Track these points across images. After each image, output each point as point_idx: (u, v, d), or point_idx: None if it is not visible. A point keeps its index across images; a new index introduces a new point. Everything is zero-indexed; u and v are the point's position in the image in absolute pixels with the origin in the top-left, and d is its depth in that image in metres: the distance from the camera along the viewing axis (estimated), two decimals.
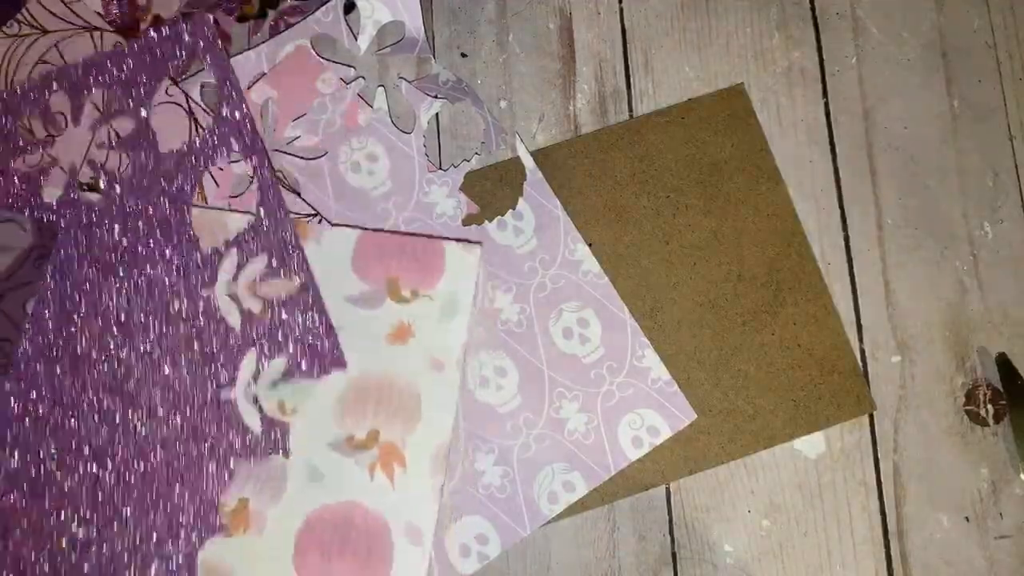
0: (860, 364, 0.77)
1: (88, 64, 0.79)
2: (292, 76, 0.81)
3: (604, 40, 0.83)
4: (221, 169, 0.78)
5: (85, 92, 0.79)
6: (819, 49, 0.82)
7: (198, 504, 0.73)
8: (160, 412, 0.74)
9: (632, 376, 0.76)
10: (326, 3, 0.82)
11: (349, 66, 0.82)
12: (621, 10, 0.83)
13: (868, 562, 0.74)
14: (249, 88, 0.81)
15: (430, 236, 0.77)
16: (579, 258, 0.78)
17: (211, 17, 0.80)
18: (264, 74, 0.81)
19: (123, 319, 0.75)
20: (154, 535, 0.72)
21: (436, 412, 0.74)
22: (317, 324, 0.76)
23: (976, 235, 0.78)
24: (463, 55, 0.83)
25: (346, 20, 0.82)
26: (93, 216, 0.77)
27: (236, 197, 0.78)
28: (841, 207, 0.79)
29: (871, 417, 0.76)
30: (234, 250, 0.77)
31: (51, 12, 0.81)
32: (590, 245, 0.78)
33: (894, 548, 0.74)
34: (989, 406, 0.76)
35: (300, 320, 0.76)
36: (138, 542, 0.72)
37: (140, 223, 0.77)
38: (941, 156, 0.80)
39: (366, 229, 0.77)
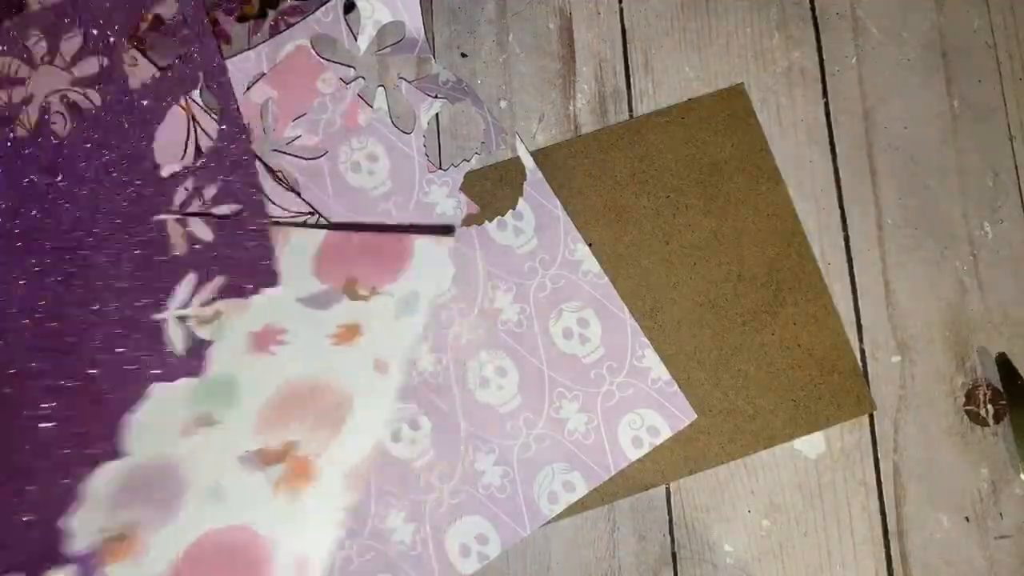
0: (860, 364, 0.77)
1: (68, 4, 0.79)
2: (292, 76, 0.81)
3: (604, 40, 0.83)
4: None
5: (62, 30, 0.79)
6: (819, 49, 0.82)
7: (103, 427, 0.73)
8: (96, 334, 0.74)
9: (632, 376, 0.76)
10: (326, 3, 0.82)
11: (349, 66, 0.82)
12: (621, 10, 0.83)
13: (868, 562, 0.74)
14: (249, 88, 0.81)
15: (403, 229, 0.77)
16: (579, 258, 0.78)
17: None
18: (264, 74, 0.81)
19: (75, 245, 0.76)
20: (53, 455, 0.72)
21: (365, 422, 0.73)
22: (258, 245, 0.76)
23: (976, 235, 0.78)
24: (463, 55, 0.83)
25: (346, 20, 0.82)
26: (62, 148, 0.78)
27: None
28: (841, 207, 0.79)
29: (871, 417, 0.76)
30: (190, 176, 0.77)
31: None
32: (590, 245, 0.78)
33: (894, 548, 0.74)
34: (989, 406, 0.76)
35: (242, 243, 0.76)
36: (39, 461, 0.72)
37: (104, 156, 0.77)
38: (941, 156, 0.80)
39: (336, 227, 0.77)
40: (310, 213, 0.78)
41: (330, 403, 0.73)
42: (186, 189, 0.77)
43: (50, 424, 0.72)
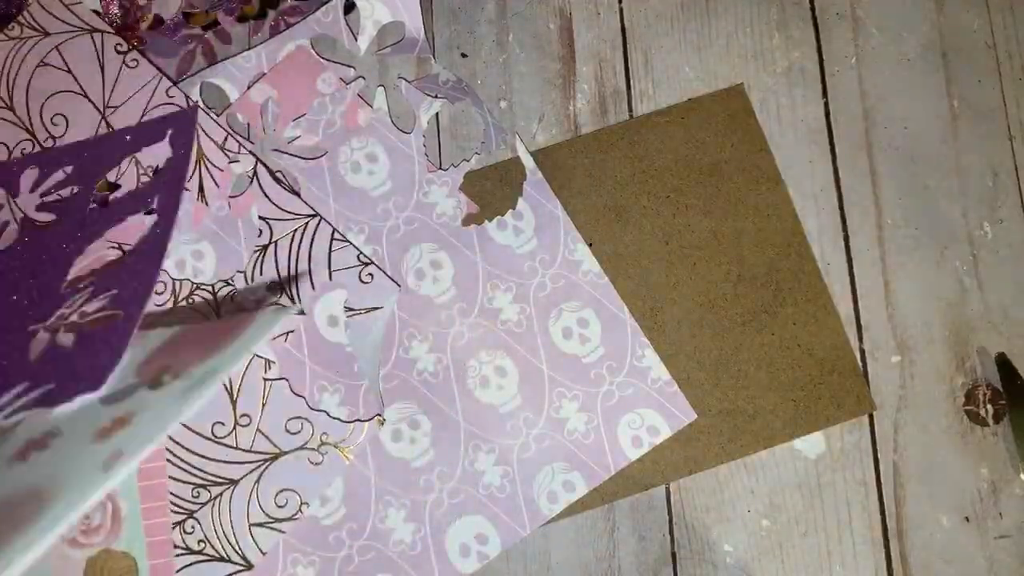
0: (860, 364, 0.77)
1: (71, 148, 0.79)
2: (292, 76, 0.81)
3: (604, 40, 0.83)
4: (221, 169, 0.78)
5: (54, 168, 0.78)
6: (819, 49, 0.82)
7: None
8: None
9: (632, 376, 0.76)
10: (326, 3, 0.82)
11: (349, 66, 0.82)
12: (621, 10, 0.83)
13: (868, 562, 0.74)
14: (249, 88, 0.81)
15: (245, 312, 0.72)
16: (579, 258, 0.78)
17: (195, 114, 0.79)
18: (264, 74, 0.81)
19: None
20: None
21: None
22: (107, 352, 0.66)
23: (976, 235, 0.78)
24: (463, 55, 0.83)
25: (346, 20, 0.82)
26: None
27: (235, 197, 0.78)
28: (841, 207, 0.79)
29: (871, 417, 0.76)
30: (89, 289, 0.72)
31: (52, 14, 0.81)
32: (590, 245, 0.78)
33: (894, 548, 0.74)
34: (989, 406, 0.76)
35: (97, 350, 0.67)
36: None
37: (24, 266, 0.74)
38: (941, 156, 0.80)
39: (192, 323, 0.71)
40: (311, 216, 0.78)
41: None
42: (78, 299, 0.71)
43: None
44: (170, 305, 0.76)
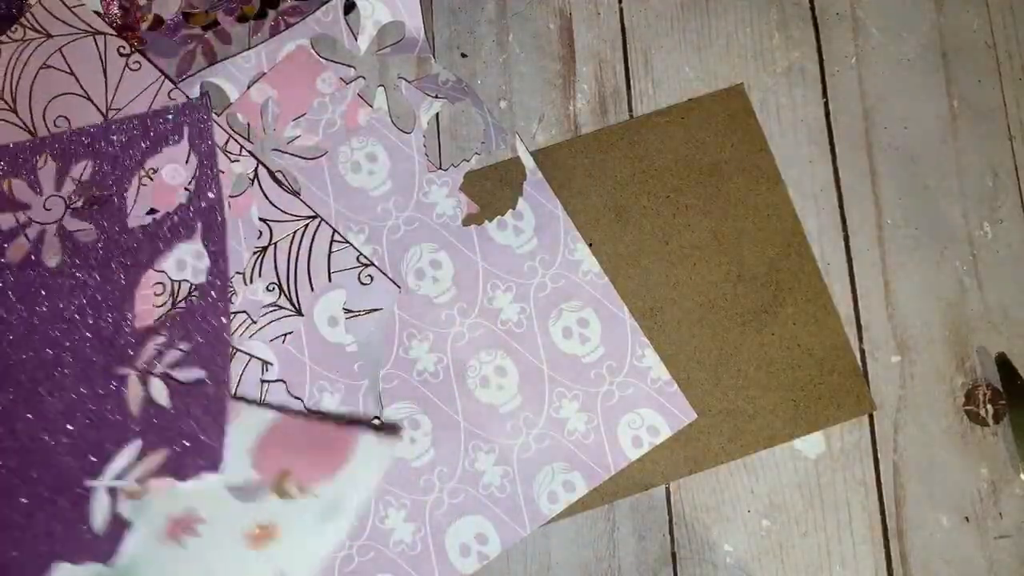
0: (860, 364, 0.77)
1: (80, 134, 0.79)
2: (292, 76, 0.81)
3: (604, 40, 0.83)
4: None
5: (73, 161, 0.78)
6: (819, 49, 0.82)
7: None
8: (21, 489, 0.71)
9: (632, 376, 0.76)
10: (326, 3, 0.82)
11: (349, 66, 0.82)
12: (621, 10, 0.84)
13: (868, 562, 0.74)
14: (249, 88, 0.81)
15: (349, 424, 0.74)
16: (579, 258, 0.78)
17: (208, 102, 0.80)
18: (264, 74, 0.81)
19: (31, 388, 0.73)
20: None
21: None
22: (212, 424, 0.72)
23: (976, 235, 0.79)
24: (463, 55, 0.83)
25: (346, 20, 0.82)
26: (47, 280, 0.75)
27: (236, 197, 0.78)
28: (841, 207, 0.79)
29: (871, 417, 0.76)
30: (161, 335, 0.74)
31: (55, 16, 0.81)
32: (590, 245, 0.78)
33: (894, 548, 0.74)
34: (989, 406, 0.76)
35: (197, 415, 0.72)
36: None
37: (87, 295, 0.75)
38: (941, 156, 0.80)
39: (286, 412, 0.74)
40: (311, 217, 0.78)
41: None
42: (156, 347, 0.74)
43: None
44: (168, 306, 0.76)
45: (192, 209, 0.77)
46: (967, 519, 0.74)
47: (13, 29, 0.81)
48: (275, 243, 0.78)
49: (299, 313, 0.76)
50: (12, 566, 0.69)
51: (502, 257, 0.78)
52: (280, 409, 0.74)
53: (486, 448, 0.75)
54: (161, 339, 0.74)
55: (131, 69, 0.80)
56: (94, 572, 0.69)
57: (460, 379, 0.77)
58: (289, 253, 0.78)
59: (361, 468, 0.72)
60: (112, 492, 0.70)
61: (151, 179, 0.78)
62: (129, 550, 0.69)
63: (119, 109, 0.79)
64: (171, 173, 0.78)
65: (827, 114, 0.81)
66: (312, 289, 0.77)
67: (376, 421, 0.75)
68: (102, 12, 0.82)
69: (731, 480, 0.75)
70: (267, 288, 0.77)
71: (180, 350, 0.74)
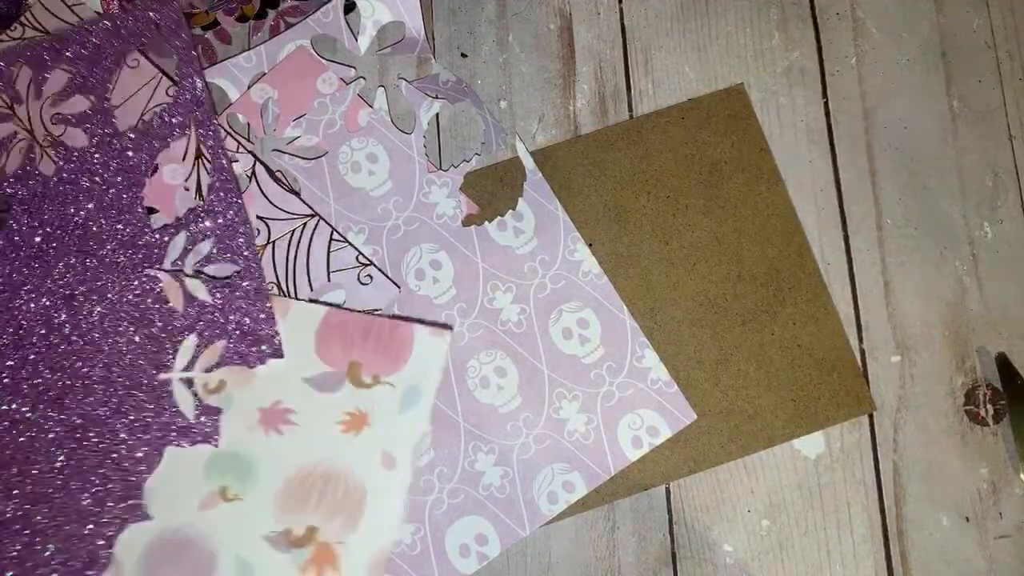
0: (860, 364, 0.77)
1: (53, 40, 0.79)
2: (292, 76, 0.81)
3: (604, 40, 0.83)
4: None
5: (49, 67, 0.79)
6: (819, 49, 0.82)
7: (123, 486, 0.72)
8: (97, 391, 0.74)
9: (632, 376, 0.76)
10: (326, 3, 0.82)
11: (349, 66, 0.82)
12: (621, 10, 0.84)
13: (868, 562, 0.74)
14: (249, 88, 0.81)
15: (399, 319, 0.76)
16: (579, 258, 0.78)
17: (178, 4, 0.81)
18: (264, 74, 0.82)
19: (68, 296, 0.75)
20: (76, 514, 0.72)
21: (380, 515, 0.73)
22: (259, 312, 0.75)
23: (976, 235, 0.79)
24: (463, 55, 0.83)
25: (346, 20, 0.82)
26: (48, 189, 0.77)
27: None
28: (841, 207, 0.80)
29: (871, 417, 0.76)
30: (183, 231, 0.77)
31: (54, 14, 0.81)
32: (590, 245, 0.79)
33: (894, 548, 0.74)
34: (989, 406, 0.76)
35: (242, 305, 0.75)
36: (61, 519, 0.71)
37: (92, 200, 0.77)
38: (941, 156, 0.80)
39: (333, 306, 0.76)
40: (309, 215, 0.78)
41: (344, 493, 0.73)
42: (180, 245, 0.77)
43: (63, 479, 0.72)
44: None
45: (179, 101, 0.79)
46: (967, 519, 0.74)
47: (12, 28, 0.81)
48: (273, 241, 0.78)
49: None
50: (123, 454, 0.73)
51: (502, 258, 0.78)
52: (327, 304, 0.77)
53: (486, 448, 0.75)
54: (182, 237, 0.77)
55: (129, 67, 0.80)
56: (203, 455, 0.74)
57: (460, 379, 0.77)
58: (288, 252, 0.78)
59: (424, 358, 0.75)
60: (189, 383, 0.74)
61: (134, 66, 0.80)
62: (228, 435, 0.74)
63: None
64: (171, 173, 0.78)
65: (827, 114, 0.81)
66: (312, 288, 0.77)
67: None
68: (102, 12, 0.81)
69: (731, 480, 0.76)
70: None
71: (206, 247, 0.77)
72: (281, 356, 0.75)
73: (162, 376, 0.74)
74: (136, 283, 0.75)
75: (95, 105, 0.78)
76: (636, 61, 0.83)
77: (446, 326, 0.77)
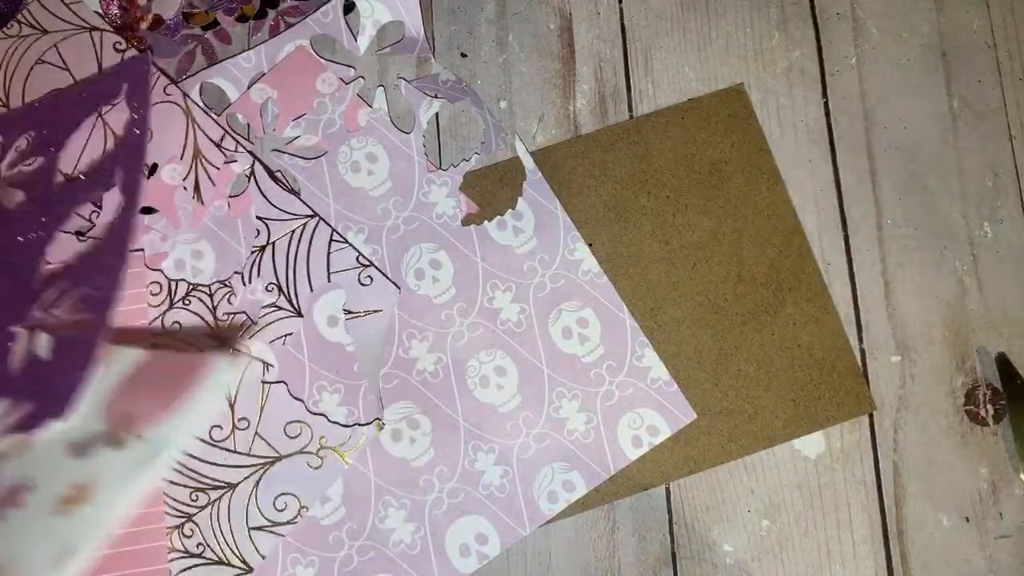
0: (860, 364, 0.77)
1: (26, 109, 0.79)
2: (292, 76, 0.82)
3: (604, 40, 0.84)
4: (218, 168, 0.79)
5: (16, 134, 0.79)
6: (819, 49, 0.83)
7: None
8: None
9: (632, 376, 0.77)
10: (326, 3, 0.83)
11: (349, 66, 0.83)
12: (621, 10, 0.84)
13: (868, 562, 0.74)
14: (249, 88, 0.82)
15: (203, 349, 0.73)
16: (579, 258, 0.79)
17: (148, 59, 0.80)
18: (264, 74, 0.82)
19: None
20: None
21: None
22: (74, 368, 0.68)
23: (976, 235, 0.79)
24: (463, 55, 0.84)
25: (346, 20, 0.83)
26: None
27: (235, 197, 0.79)
28: (841, 207, 0.80)
29: (871, 417, 0.76)
30: (54, 289, 0.73)
31: (51, 12, 0.82)
32: (590, 245, 0.79)
33: (894, 548, 0.74)
34: (989, 406, 0.76)
35: (68, 361, 0.69)
36: None
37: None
38: (941, 156, 0.81)
39: (164, 348, 0.73)
40: (309, 216, 0.79)
41: None
42: (57, 291, 0.73)
43: None
44: (166, 306, 0.77)
45: (114, 159, 0.77)
46: (967, 519, 0.75)
47: (9, 26, 0.82)
48: (273, 242, 0.78)
49: (299, 314, 0.77)
50: None
51: (502, 257, 0.79)
52: (161, 346, 0.73)
53: (486, 448, 0.76)
54: (63, 283, 0.73)
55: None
56: None
57: (460, 379, 0.77)
58: (288, 253, 0.78)
59: (204, 396, 0.69)
60: None
61: (104, 124, 0.79)
62: None
63: (114, 105, 0.80)
64: (170, 173, 0.79)
65: (827, 114, 0.82)
66: (311, 290, 0.77)
67: (379, 422, 0.76)
68: (102, 13, 0.82)
69: (731, 480, 0.76)
70: (266, 288, 0.77)
71: (78, 290, 0.73)
72: (61, 418, 0.67)
73: None
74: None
75: (41, 164, 0.78)
76: (636, 61, 0.83)
77: (262, 361, 0.74)
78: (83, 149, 0.78)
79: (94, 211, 0.77)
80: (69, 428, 0.67)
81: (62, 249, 0.76)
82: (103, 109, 0.79)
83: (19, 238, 0.75)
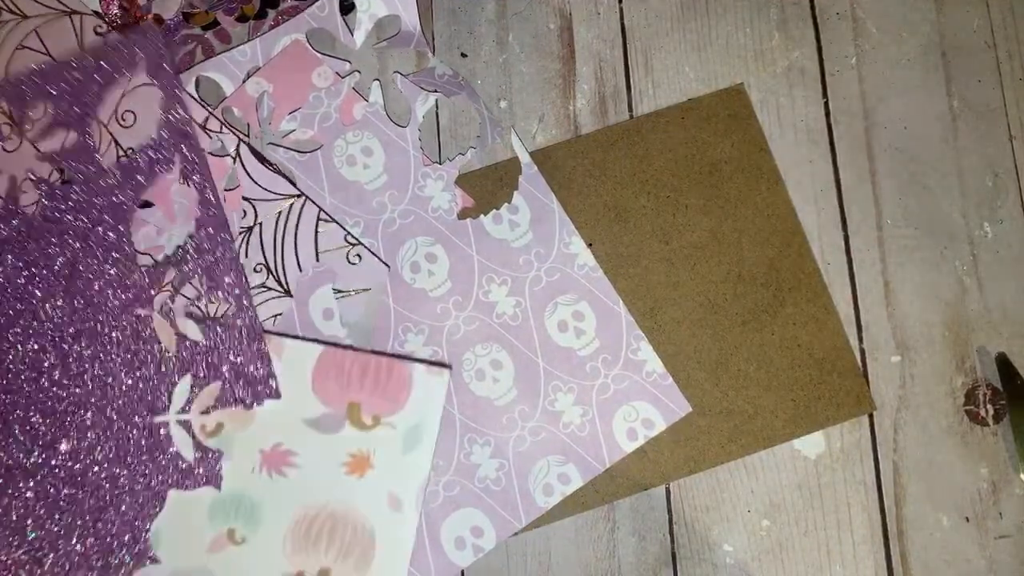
0: (860, 364, 0.80)
1: (35, 74, 0.82)
2: (288, 70, 0.85)
3: (604, 40, 0.87)
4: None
5: (29, 102, 0.82)
6: (819, 49, 0.86)
7: (128, 533, 0.75)
8: (91, 436, 0.76)
9: (627, 369, 0.80)
10: None
11: (345, 60, 0.86)
12: (621, 10, 0.88)
13: (868, 562, 0.77)
14: (245, 82, 0.85)
15: (396, 356, 0.79)
16: (574, 251, 0.82)
17: (158, 31, 0.84)
18: (259, 68, 0.85)
19: (57, 338, 0.77)
20: (84, 561, 0.74)
21: (391, 557, 0.76)
22: (253, 352, 0.78)
23: (976, 235, 0.82)
24: (463, 55, 0.87)
25: (344, 20, 0.86)
26: (33, 229, 0.79)
27: (230, 191, 0.82)
28: (841, 207, 0.83)
29: (871, 417, 0.80)
30: (172, 269, 0.79)
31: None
32: (590, 245, 0.82)
33: (894, 548, 0.77)
34: (989, 406, 0.79)
35: (236, 345, 0.78)
36: (68, 569, 0.74)
37: (79, 239, 0.79)
38: (941, 156, 0.84)
39: (329, 344, 0.79)
40: (295, 196, 0.82)
41: (353, 535, 0.76)
42: (170, 284, 0.79)
43: (65, 527, 0.75)
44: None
45: (163, 139, 0.81)
46: (967, 519, 0.78)
47: None
48: (260, 223, 0.82)
49: (288, 294, 0.80)
50: (124, 500, 0.76)
51: (497, 251, 0.82)
52: (322, 343, 0.79)
53: (481, 441, 0.79)
54: (172, 275, 0.79)
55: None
56: (207, 498, 0.77)
57: (456, 372, 0.80)
58: (275, 233, 0.81)
59: (423, 398, 0.78)
60: (186, 426, 0.77)
61: (122, 123, 0.82)
62: (231, 478, 0.77)
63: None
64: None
65: (827, 114, 0.85)
66: (300, 269, 0.81)
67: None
68: (102, 12, 0.85)
69: (731, 480, 0.79)
70: (254, 269, 0.81)
71: (194, 286, 0.79)
72: (279, 397, 0.78)
73: (158, 419, 0.76)
74: (126, 324, 0.78)
75: (78, 141, 0.81)
76: (636, 61, 0.86)
77: (444, 365, 0.80)
78: (119, 124, 0.82)
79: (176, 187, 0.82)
80: (291, 407, 0.78)
81: (149, 240, 0.80)
82: (127, 82, 0.82)
83: (100, 214, 0.80)
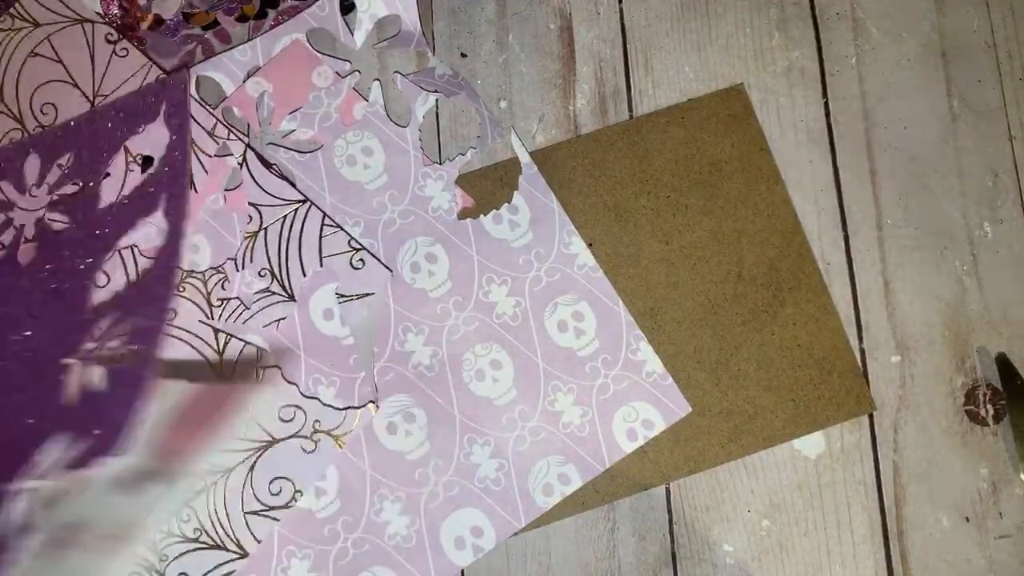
0: (860, 364, 0.81)
1: (63, 128, 0.84)
2: (288, 70, 0.86)
3: (604, 40, 0.88)
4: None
5: (55, 154, 0.83)
6: (819, 49, 0.87)
7: None
8: None
9: (627, 369, 0.81)
10: None
11: (345, 60, 0.87)
12: (621, 10, 0.88)
13: (868, 562, 0.78)
14: (245, 82, 0.86)
15: (235, 382, 0.80)
16: (574, 251, 0.83)
17: (185, 78, 0.85)
18: (260, 68, 0.86)
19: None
20: None
21: None
22: (129, 401, 0.76)
23: (976, 235, 0.83)
24: (463, 55, 0.88)
25: (344, 20, 0.87)
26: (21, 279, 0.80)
27: (230, 191, 0.83)
28: (841, 207, 0.84)
29: (871, 417, 0.80)
30: (115, 311, 0.79)
31: (43, 5, 0.87)
32: (590, 245, 0.83)
33: (894, 548, 0.78)
34: (989, 406, 0.80)
35: (120, 397, 0.76)
36: None
37: (51, 282, 0.80)
38: (941, 156, 0.85)
39: (201, 380, 0.79)
40: (301, 201, 0.83)
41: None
42: (108, 322, 0.79)
43: None
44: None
45: (157, 182, 0.82)
46: (967, 519, 0.79)
47: (1, 19, 0.86)
48: (265, 228, 0.83)
49: (292, 299, 0.81)
50: None
51: (497, 251, 0.83)
52: (196, 377, 0.79)
53: (481, 441, 0.80)
54: (114, 313, 0.79)
55: (118, 56, 0.86)
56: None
57: (455, 372, 0.81)
58: (280, 238, 0.82)
59: (240, 427, 0.78)
60: (31, 493, 0.71)
61: (138, 164, 0.84)
62: (28, 557, 0.70)
63: (106, 96, 0.85)
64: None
65: (827, 114, 0.86)
66: (304, 274, 0.82)
67: (373, 405, 0.81)
68: (102, 13, 0.87)
69: (731, 480, 0.80)
70: (259, 274, 0.82)
71: (129, 320, 0.79)
72: (113, 454, 0.74)
73: (12, 486, 0.72)
74: (48, 373, 0.76)
75: (80, 190, 0.82)
76: (636, 61, 0.87)
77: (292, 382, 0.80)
78: (125, 173, 0.83)
79: (141, 237, 0.82)
80: (122, 464, 0.73)
81: (111, 277, 0.81)
82: (141, 129, 0.84)
83: (73, 264, 0.80)
